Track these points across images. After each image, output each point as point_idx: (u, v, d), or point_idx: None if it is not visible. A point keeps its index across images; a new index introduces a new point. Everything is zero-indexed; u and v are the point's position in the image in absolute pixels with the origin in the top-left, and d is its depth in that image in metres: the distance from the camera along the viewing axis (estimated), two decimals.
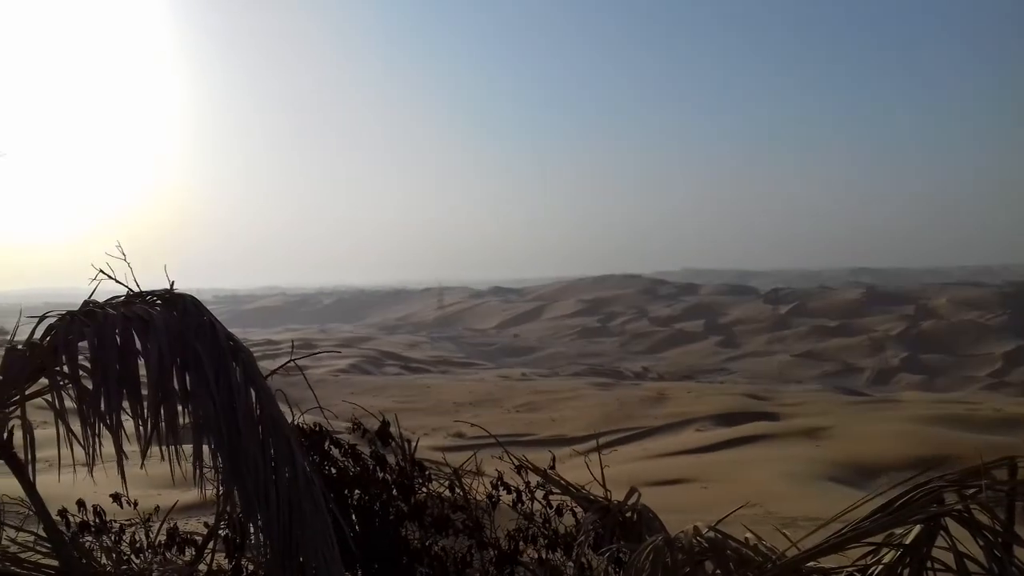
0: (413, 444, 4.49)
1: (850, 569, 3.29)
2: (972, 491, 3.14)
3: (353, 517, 4.16)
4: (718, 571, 3.37)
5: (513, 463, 4.46)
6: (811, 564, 3.39)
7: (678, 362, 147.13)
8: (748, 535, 3.45)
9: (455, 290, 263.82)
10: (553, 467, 4.39)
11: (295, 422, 4.00)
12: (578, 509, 4.59)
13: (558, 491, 4.40)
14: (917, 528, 3.18)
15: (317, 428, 4.10)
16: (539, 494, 4.43)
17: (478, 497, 4.46)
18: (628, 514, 4.55)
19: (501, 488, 4.45)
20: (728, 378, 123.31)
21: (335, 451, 4.14)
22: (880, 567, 3.24)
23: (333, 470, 4.08)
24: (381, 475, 4.17)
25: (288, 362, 4.15)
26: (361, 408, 5.13)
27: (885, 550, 3.26)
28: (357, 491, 4.13)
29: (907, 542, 3.18)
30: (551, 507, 4.43)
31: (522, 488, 4.41)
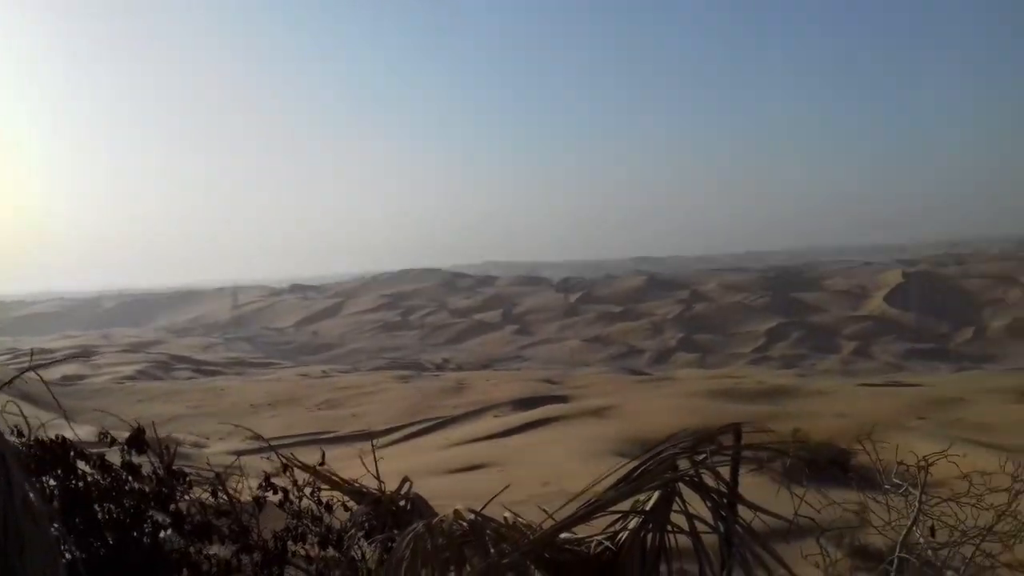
0: (173, 450, 4.29)
1: (599, 537, 3.49)
2: (702, 457, 3.41)
3: (107, 532, 3.92)
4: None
5: (282, 462, 4.36)
6: (566, 535, 3.56)
7: (477, 352, 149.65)
8: (507, 514, 3.57)
9: (251, 289, 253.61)
10: (323, 463, 4.35)
11: (31, 436, 3.71)
12: (352, 503, 4.57)
13: (327, 487, 4.36)
14: (656, 494, 3.41)
15: (60, 441, 3.82)
16: (309, 491, 4.37)
17: (244, 500, 4.33)
18: (402, 503, 4.59)
19: (267, 489, 4.34)
20: (524, 365, 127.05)
21: (83, 464, 3.88)
22: (626, 533, 3.46)
23: (80, 484, 3.81)
24: (136, 486, 3.96)
25: (24, 371, 3.82)
26: (118, 418, 4.84)
27: (632, 517, 3.49)
28: (110, 505, 3.89)
29: (648, 508, 3.41)
30: (321, 503, 4.38)
31: (289, 487, 4.33)
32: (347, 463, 5.37)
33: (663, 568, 3.36)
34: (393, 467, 4.91)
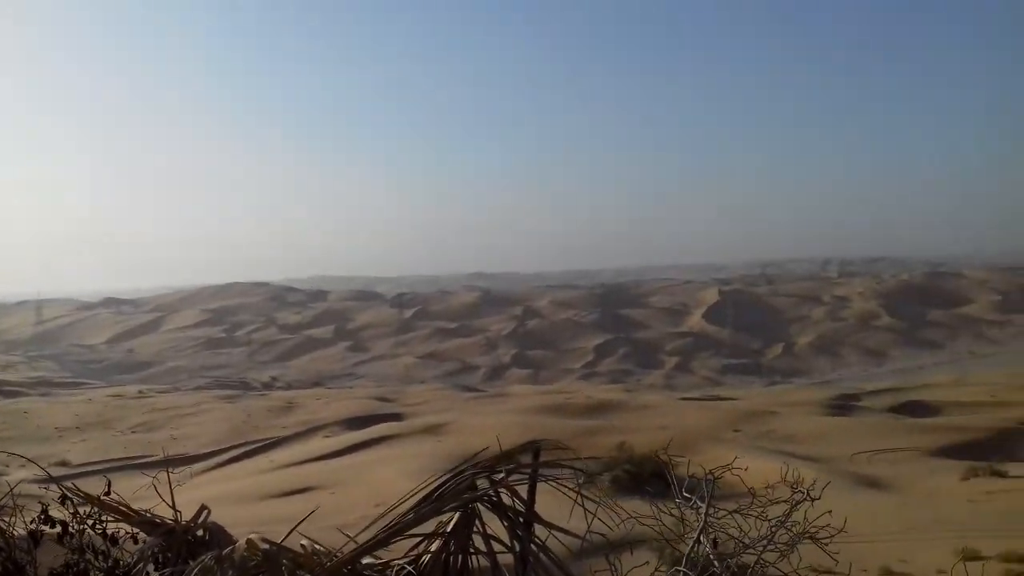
0: None
1: (402, 561, 3.41)
2: (500, 476, 3.40)
3: None
4: None
5: (62, 492, 4.01)
6: (369, 560, 3.46)
7: (308, 369, 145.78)
8: (304, 541, 3.43)
9: (57, 302, 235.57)
10: (108, 492, 4.03)
11: None
12: (145, 535, 4.27)
13: (115, 518, 4.05)
14: (456, 515, 3.37)
15: None
16: (92, 523, 4.03)
17: (17, 534, 3.94)
18: (199, 533, 4.34)
19: (44, 522, 3.97)
20: (357, 382, 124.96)
21: None
22: (428, 556, 3.39)
23: None
24: None
25: None
26: None
27: (434, 539, 3.44)
28: None
29: (448, 530, 3.36)
30: (106, 536, 4.05)
31: (69, 520, 3.98)
32: (163, 489, 5.02)
33: None
34: (213, 492, 4.64)
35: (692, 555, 2.90)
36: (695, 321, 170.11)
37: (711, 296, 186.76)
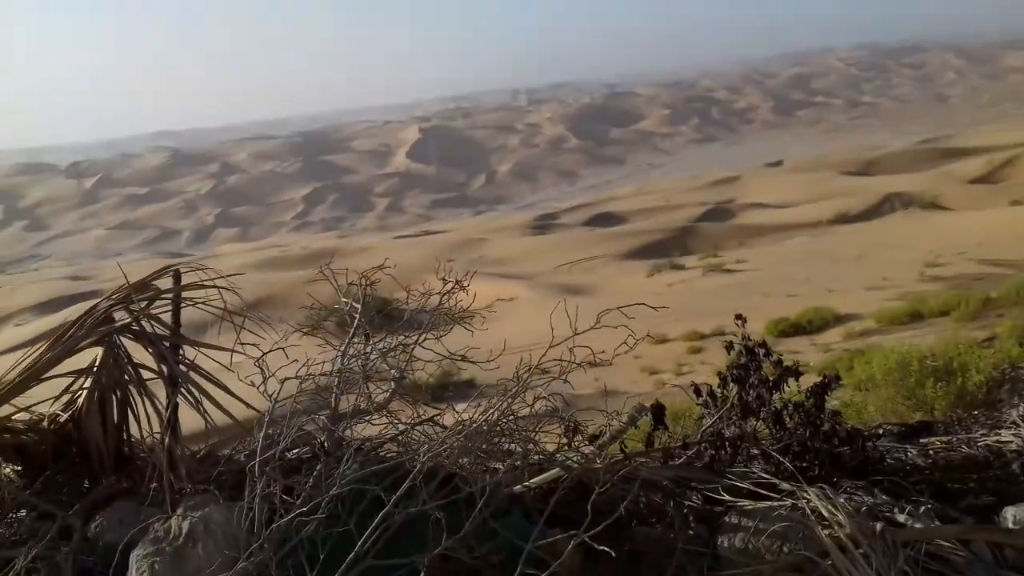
0: None
1: (56, 409, 3.33)
2: (144, 306, 3.36)
3: None
4: None
5: None
6: (25, 416, 3.31)
7: None
8: None
9: None
10: None
11: None
12: None
13: None
14: (100, 352, 3.29)
15: None
16: None
17: None
18: None
19: None
20: (43, 264, 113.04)
21: None
22: (83, 392, 3.30)
23: None
24: None
25: None
26: None
27: (83, 378, 3.32)
28: None
29: (96, 367, 3.27)
30: None
31: None
32: None
33: None
34: None
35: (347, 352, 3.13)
36: (400, 161, 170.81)
37: (412, 135, 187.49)
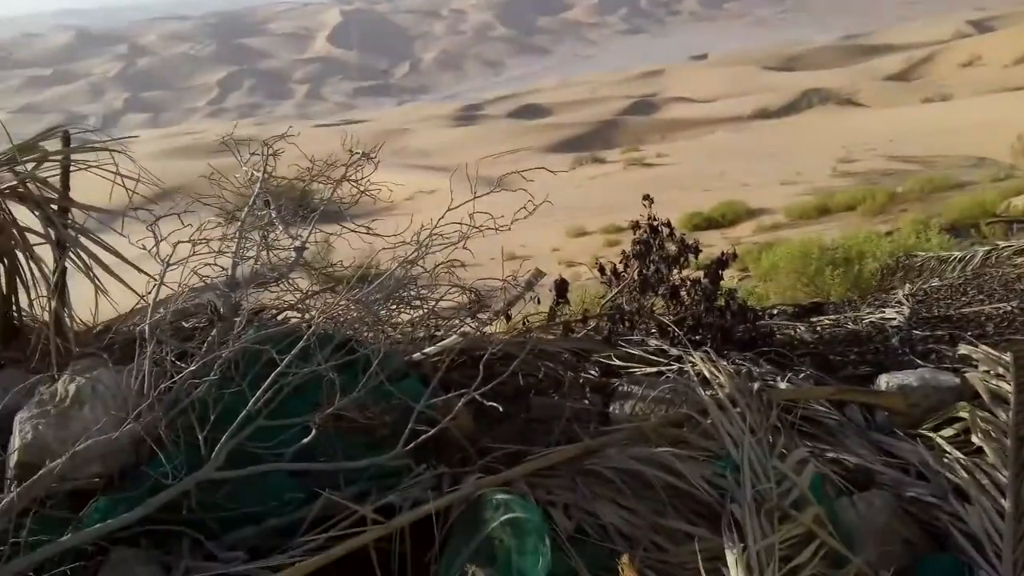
0: None
1: None
2: (31, 167, 3.22)
3: None
4: None
5: None
6: None
7: None
8: None
9: None
10: None
11: None
12: None
13: None
14: None
15: None
16: None
17: None
18: None
19: None
20: None
21: None
22: None
23: None
24: None
25: None
26: None
27: None
28: None
29: None
30: None
31: None
32: None
33: None
34: None
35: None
36: (320, 46, 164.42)
37: (333, 18, 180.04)
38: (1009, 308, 4.56)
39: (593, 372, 3.70)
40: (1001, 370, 3.66)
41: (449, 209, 2.96)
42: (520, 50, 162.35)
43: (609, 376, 3.62)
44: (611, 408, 3.30)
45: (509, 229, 2.87)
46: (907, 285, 5.70)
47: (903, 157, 37.51)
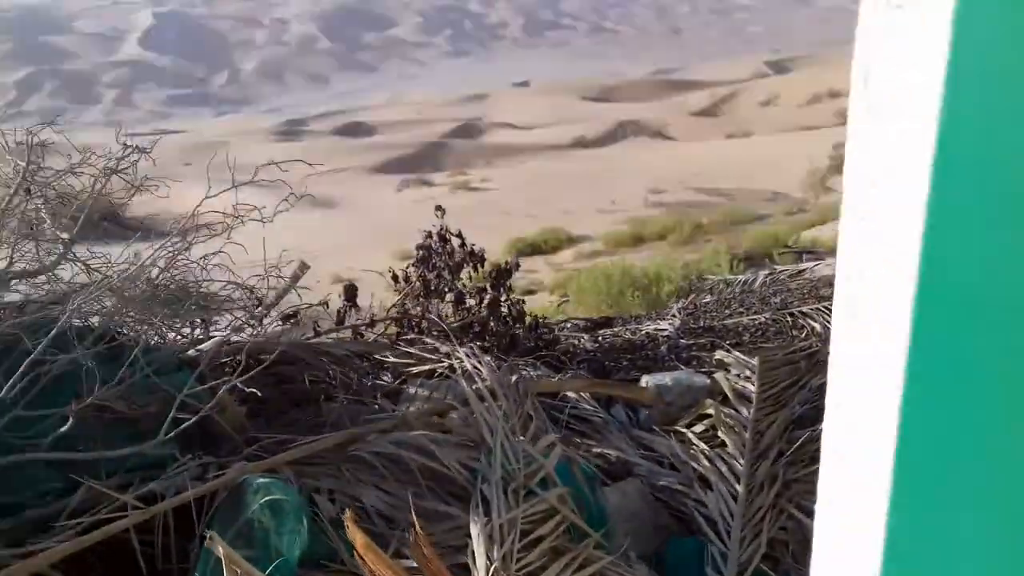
0: None
1: None
2: None
3: None
4: None
5: None
6: None
7: None
8: None
9: None
10: None
11: None
12: None
13: None
14: None
15: None
16: None
17: None
18: None
19: None
20: None
21: None
22: None
23: None
24: None
25: None
26: None
27: None
28: None
29: None
30: None
31: None
32: None
33: None
34: None
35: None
36: (131, 48, 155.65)
37: (145, 19, 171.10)
38: (763, 319, 5.10)
39: (386, 377, 3.83)
40: (748, 372, 4.10)
41: (208, 196, 2.98)
42: (345, 65, 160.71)
43: (400, 381, 3.76)
44: (397, 410, 3.44)
45: (271, 221, 2.96)
46: (680, 300, 6.22)
47: (708, 189, 40.18)
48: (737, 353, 4.35)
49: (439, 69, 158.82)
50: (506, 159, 61.23)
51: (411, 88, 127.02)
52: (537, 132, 71.15)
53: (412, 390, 3.44)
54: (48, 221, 2.98)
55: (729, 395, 3.86)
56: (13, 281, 2.70)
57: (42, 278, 2.84)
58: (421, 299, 3.94)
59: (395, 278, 4.23)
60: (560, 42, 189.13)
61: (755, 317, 5.09)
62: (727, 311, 5.45)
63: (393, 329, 3.87)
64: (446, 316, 4.04)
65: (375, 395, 3.64)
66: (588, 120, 72.66)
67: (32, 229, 2.89)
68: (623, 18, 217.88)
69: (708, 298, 6.21)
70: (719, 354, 4.32)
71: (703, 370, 4.35)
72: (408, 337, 3.72)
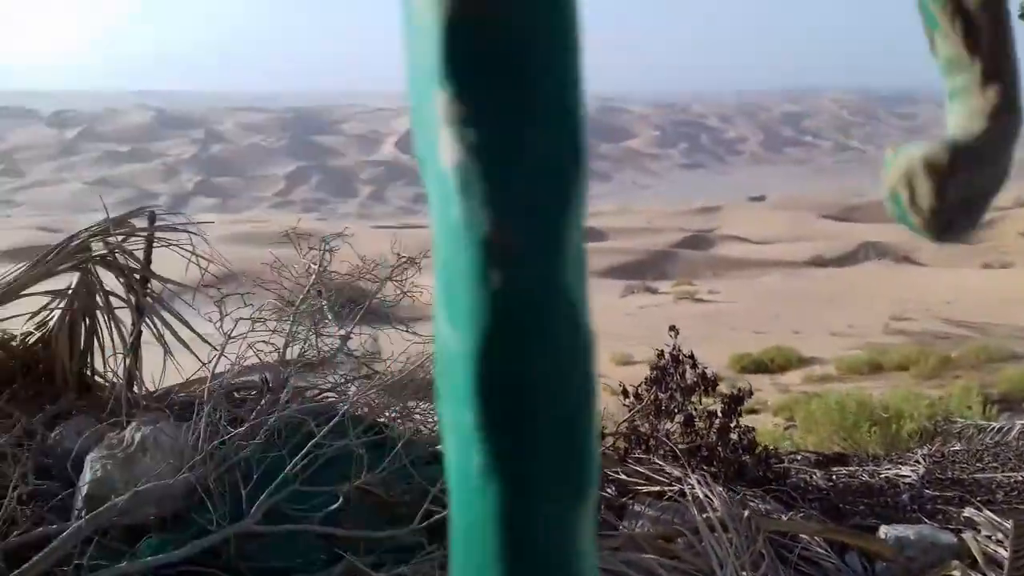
0: None
1: (29, 327, 3.61)
2: (120, 239, 3.68)
3: None
4: None
5: None
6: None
7: None
8: None
9: None
10: None
11: None
12: None
13: None
14: (76, 277, 3.59)
15: None
16: None
17: None
18: None
19: None
20: (16, 211, 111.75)
21: None
22: (56, 314, 3.60)
23: None
24: None
25: None
26: None
27: (56, 300, 3.62)
28: None
29: (71, 291, 3.56)
30: None
31: None
32: None
33: None
34: None
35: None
36: (388, 150, 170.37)
37: (402, 124, 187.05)
38: (1020, 478, 4.65)
39: (609, 490, 3.89)
40: (1000, 536, 3.76)
41: None
42: None
43: (624, 495, 3.81)
44: (622, 526, 3.48)
45: None
46: (926, 446, 5.80)
47: (959, 321, 37.09)
48: (989, 512, 4.00)
49: (672, 180, 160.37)
50: (736, 272, 60.06)
51: (644, 197, 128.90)
52: (771, 247, 69.46)
53: (638, 508, 3.47)
54: (330, 317, 3.39)
55: (978, 558, 3.55)
56: (298, 367, 3.10)
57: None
58: (651, 418, 3.99)
59: (625, 393, 4.32)
60: (800, 159, 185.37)
61: (1011, 475, 4.65)
62: (978, 464, 5.02)
63: (621, 444, 3.94)
64: (673, 436, 4.06)
65: (599, 507, 3.70)
66: (827, 239, 70.06)
67: (315, 324, 3.30)
68: (869, 137, 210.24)
69: (957, 445, 5.75)
70: (969, 511, 4.00)
71: (949, 527, 4.03)
72: (636, 455, 3.77)
